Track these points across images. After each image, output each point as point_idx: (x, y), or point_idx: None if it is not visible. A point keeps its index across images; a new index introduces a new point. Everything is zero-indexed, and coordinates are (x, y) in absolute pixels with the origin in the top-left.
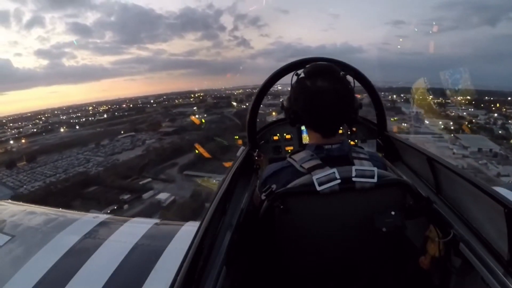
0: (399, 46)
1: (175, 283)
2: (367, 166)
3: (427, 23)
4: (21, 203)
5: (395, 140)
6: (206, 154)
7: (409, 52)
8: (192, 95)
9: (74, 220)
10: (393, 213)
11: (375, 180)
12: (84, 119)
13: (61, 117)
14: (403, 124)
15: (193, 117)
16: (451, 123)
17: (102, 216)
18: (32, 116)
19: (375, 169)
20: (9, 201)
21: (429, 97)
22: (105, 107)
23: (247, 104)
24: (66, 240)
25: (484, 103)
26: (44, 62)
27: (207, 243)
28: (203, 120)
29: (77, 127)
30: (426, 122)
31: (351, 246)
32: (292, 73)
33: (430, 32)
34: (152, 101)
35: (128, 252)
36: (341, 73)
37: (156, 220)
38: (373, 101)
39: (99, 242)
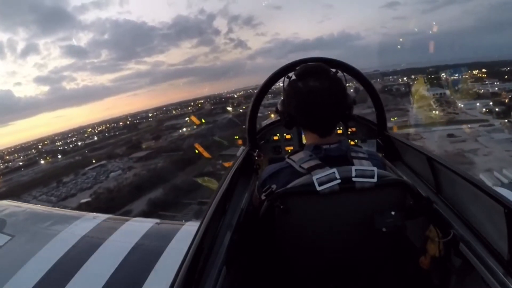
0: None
1: (175, 283)
2: (367, 166)
3: (423, 1)
4: (21, 203)
5: (395, 140)
6: (206, 154)
7: (408, 33)
8: (192, 103)
9: (74, 220)
10: (393, 213)
11: (375, 180)
12: (73, 145)
13: (58, 143)
14: (433, 111)
15: (193, 117)
16: (491, 103)
17: (102, 216)
18: (31, 145)
19: (375, 168)
20: (9, 201)
21: (445, 75)
22: (102, 127)
23: (244, 107)
24: (66, 240)
25: (505, 74)
26: (45, 88)
27: (207, 243)
28: (203, 120)
29: (59, 156)
30: (460, 105)
31: (351, 246)
32: (290, 75)
33: (428, 11)
34: (150, 114)
35: (128, 252)
36: (332, 72)
37: (156, 220)
38: (372, 101)
39: (99, 242)
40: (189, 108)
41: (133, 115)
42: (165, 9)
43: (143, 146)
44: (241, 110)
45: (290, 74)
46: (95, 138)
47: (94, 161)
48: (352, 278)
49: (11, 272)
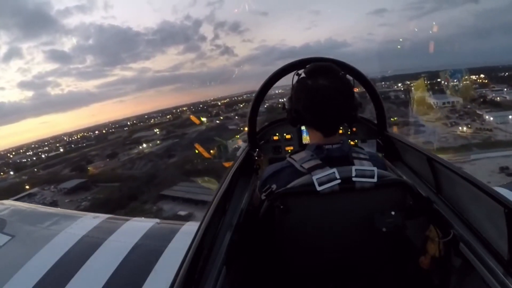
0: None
1: (175, 283)
2: (367, 166)
3: (409, 8)
4: (21, 203)
5: (395, 140)
6: (206, 154)
7: (395, 40)
8: (174, 111)
9: (74, 220)
10: (393, 213)
11: (375, 180)
12: (36, 158)
13: (28, 153)
14: (460, 127)
15: (192, 117)
16: None
17: (102, 216)
18: (4, 155)
19: (375, 169)
20: (10, 201)
21: (444, 81)
22: (77, 137)
23: (222, 118)
24: (66, 240)
25: (507, 79)
26: (29, 93)
27: (207, 243)
28: (202, 118)
29: (11, 172)
30: (488, 117)
31: (351, 246)
32: (292, 73)
33: (415, 17)
34: (129, 123)
35: (128, 252)
36: (341, 72)
37: (156, 220)
38: (373, 101)
39: (99, 242)
40: (168, 117)
41: (116, 123)
42: (150, 14)
43: (89, 168)
44: (217, 121)
45: (299, 72)
46: (61, 149)
47: (28, 187)
48: (352, 278)
49: (11, 272)
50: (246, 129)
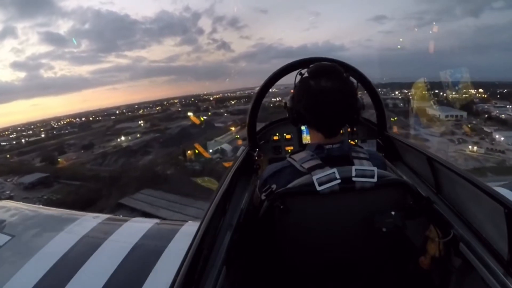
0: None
1: (175, 283)
2: (367, 166)
3: (410, 17)
4: (21, 203)
5: (395, 140)
6: (206, 154)
7: (392, 48)
8: (166, 103)
9: (74, 220)
10: (393, 213)
11: (375, 180)
12: (16, 142)
13: (11, 136)
14: (470, 146)
15: (192, 116)
16: None
17: (102, 216)
18: None
19: (375, 168)
20: (9, 201)
21: (446, 93)
22: (63, 122)
23: (210, 113)
24: (66, 240)
25: (507, 96)
26: (21, 74)
27: (207, 243)
28: (202, 118)
29: None
30: (498, 137)
31: (351, 246)
32: (295, 72)
33: (414, 27)
34: (117, 112)
35: (128, 252)
36: (345, 74)
37: (156, 220)
38: (373, 101)
39: (99, 242)
40: (157, 109)
41: (105, 111)
42: (148, 3)
43: (59, 160)
44: (204, 117)
45: (302, 71)
46: (42, 135)
47: None
48: (352, 278)
49: (11, 272)
50: (232, 128)
